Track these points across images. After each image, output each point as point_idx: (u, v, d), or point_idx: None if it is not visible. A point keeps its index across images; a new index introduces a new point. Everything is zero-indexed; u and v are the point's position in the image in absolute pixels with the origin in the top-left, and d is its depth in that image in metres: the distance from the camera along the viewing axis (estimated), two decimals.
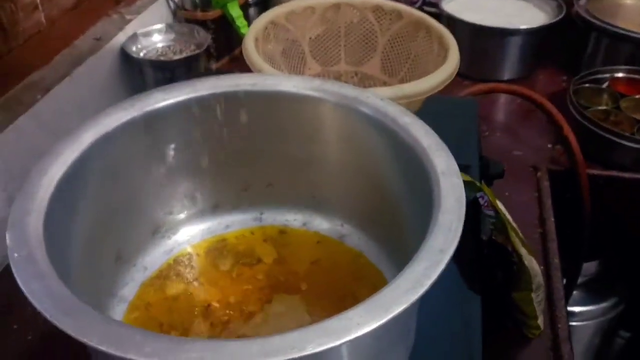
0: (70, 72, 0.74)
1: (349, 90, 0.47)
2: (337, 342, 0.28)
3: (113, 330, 0.29)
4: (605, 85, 0.94)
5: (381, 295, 0.30)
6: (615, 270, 1.07)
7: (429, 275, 0.31)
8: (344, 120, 0.47)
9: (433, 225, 0.35)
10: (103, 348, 0.27)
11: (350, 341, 0.28)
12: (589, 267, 1.06)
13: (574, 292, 1.03)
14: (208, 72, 0.92)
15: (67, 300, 0.30)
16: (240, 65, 0.66)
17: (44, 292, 0.30)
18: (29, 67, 0.72)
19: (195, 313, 0.48)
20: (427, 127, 0.42)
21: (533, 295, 0.59)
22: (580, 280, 1.02)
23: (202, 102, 0.48)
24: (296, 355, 0.27)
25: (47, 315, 0.29)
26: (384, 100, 0.45)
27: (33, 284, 0.31)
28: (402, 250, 0.46)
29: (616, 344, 1.19)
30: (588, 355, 1.12)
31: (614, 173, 0.84)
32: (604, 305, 1.10)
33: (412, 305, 0.30)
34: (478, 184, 0.60)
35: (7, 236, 0.34)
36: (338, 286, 0.49)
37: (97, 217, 0.44)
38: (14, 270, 0.32)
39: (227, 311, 0.48)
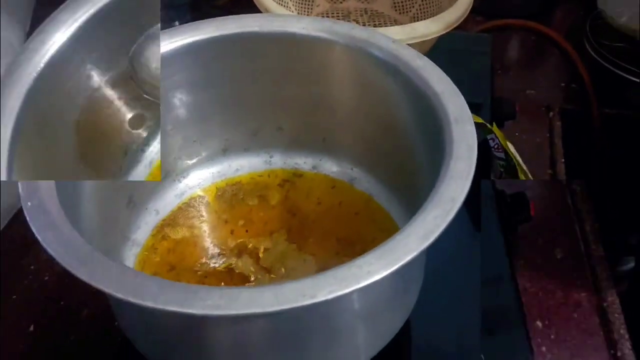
0: None
1: (359, 32, 0.45)
2: (347, 290, 0.29)
3: (129, 279, 0.29)
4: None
5: (391, 243, 0.31)
6: None
7: (439, 224, 0.31)
8: (354, 63, 0.46)
9: (444, 173, 0.35)
10: (120, 295, 0.28)
11: (360, 288, 0.29)
12: None
13: None
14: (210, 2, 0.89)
15: (82, 249, 0.31)
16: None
17: (58, 241, 0.31)
18: None
19: (208, 256, 0.49)
20: (440, 72, 0.41)
21: None
22: None
23: (207, 46, 0.47)
24: (308, 302, 0.28)
25: (64, 264, 0.30)
26: (395, 43, 0.44)
27: (47, 233, 0.31)
28: (412, 195, 0.46)
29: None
30: None
31: (629, 113, 0.82)
32: None
33: (421, 253, 0.31)
34: (489, 126, 0.60)
35: (19, 185, 0.34)
36: (350, 231, 0.49)
37: None
38: (28, 219, 0.32)
39: (239, 254, 0.49)
